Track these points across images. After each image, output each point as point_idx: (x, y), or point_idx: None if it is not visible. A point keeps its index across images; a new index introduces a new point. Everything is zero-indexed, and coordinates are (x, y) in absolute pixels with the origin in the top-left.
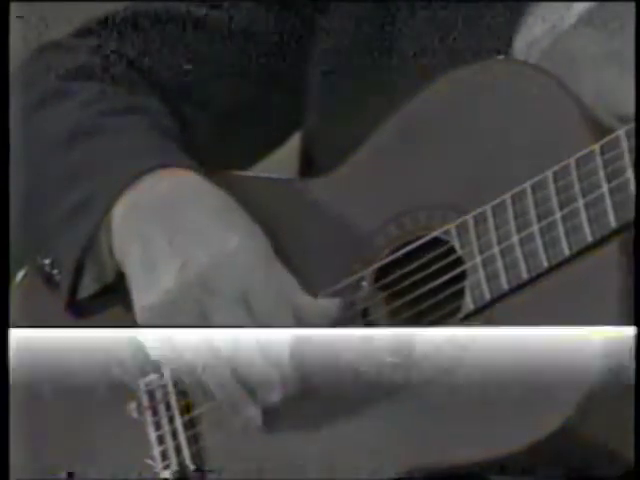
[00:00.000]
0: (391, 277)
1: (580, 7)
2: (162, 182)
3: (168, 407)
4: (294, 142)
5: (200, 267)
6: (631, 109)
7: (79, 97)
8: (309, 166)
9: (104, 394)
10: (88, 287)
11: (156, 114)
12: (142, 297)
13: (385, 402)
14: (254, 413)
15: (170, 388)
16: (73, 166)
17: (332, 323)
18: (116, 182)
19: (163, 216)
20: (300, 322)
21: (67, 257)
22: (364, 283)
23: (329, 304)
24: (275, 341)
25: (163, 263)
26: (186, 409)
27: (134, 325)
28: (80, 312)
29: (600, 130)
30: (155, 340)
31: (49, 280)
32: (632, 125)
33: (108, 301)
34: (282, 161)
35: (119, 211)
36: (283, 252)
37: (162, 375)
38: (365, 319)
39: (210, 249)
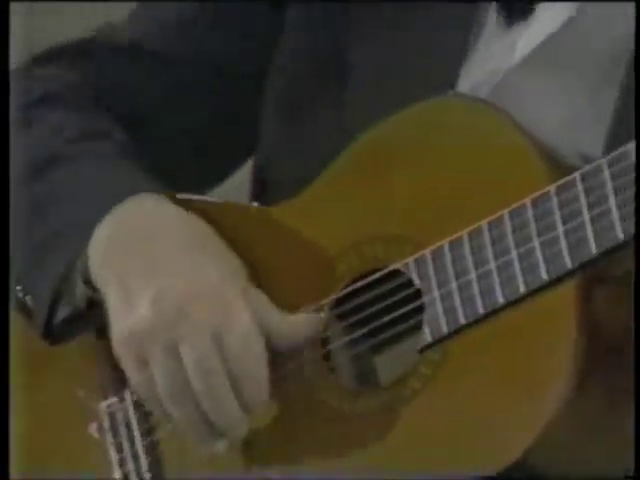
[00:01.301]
0: (350, 307)
1: (524, 47)
2: (139, 210)
3: (129, 429)
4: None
5: (177, 296)
6: (584, 148)
7: (46, 125)
8: (261, 193)
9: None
10: (61, 312)
11: (122, 141)
12: (118, 324)
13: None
14: (220, 446)
15: (131, 411)
16: (43, 195)
17: (307, 339)
18: (91, 211)
19: (139, 244)
20: (277, 341)
21: (42, 289)
22: (323, 313)
23: (305, 320)
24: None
25: (139, 290)
26: (147, 432)
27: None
28: (54, 338)
29: (556, 168)
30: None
31: (22, 306)
32: (587, 167)
33: (80, 327)
34: (230, 188)
35: (96, 240)
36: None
37: (123, 398)
38: (324, 348)
39: (187, 277)
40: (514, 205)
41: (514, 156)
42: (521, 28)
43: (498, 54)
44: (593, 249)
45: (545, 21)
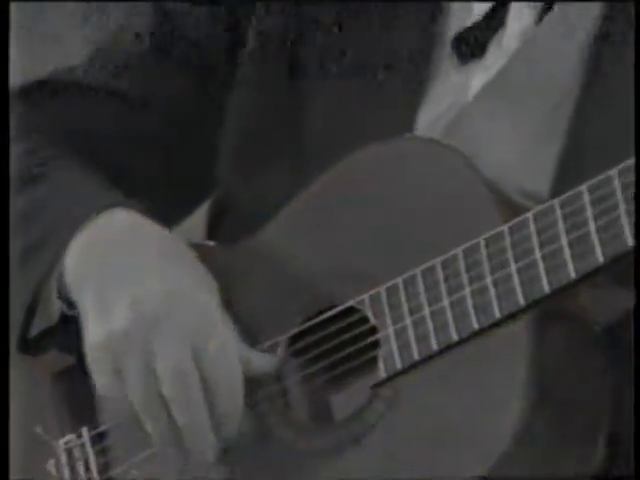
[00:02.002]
0: (306, 343)
1: (479, 81)
2: (115, 221)
3: (87, 466)
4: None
5: (153, 303)
6: (535, 185)
7: (19, 149)
8: (217, 233)
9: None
10: (36, 326)
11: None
12: (94, 330)
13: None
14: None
15: (89, 448)
16: (20, 212)
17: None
18: (68, 225)
19: (116, 252)
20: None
21: (21, 300)
22: (279, 349)
23: (266, 358)
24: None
25: (116, 297)
26: (105, 469)
27: None
28: (28, 351)
29: (508, 207)
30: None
31: None
32: (540, 207)
33: (54, 342)
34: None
35: (72, 253)
36: None
37: (80, 434)
38: (280, 384)
39: (164, 284)
40: (468, 243)
41: (467, 195)
42: (475, 65)
43: (453, 91)
44: (545, 287)
45: (498, 57)
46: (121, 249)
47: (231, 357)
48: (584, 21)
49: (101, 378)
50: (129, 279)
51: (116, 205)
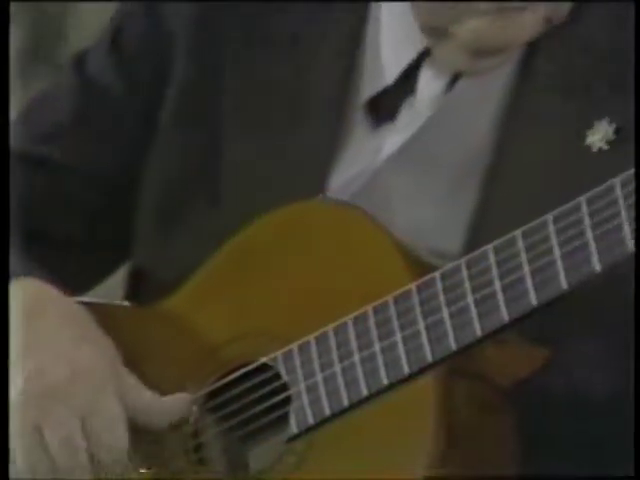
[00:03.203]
0: (221, 400)
1: (392, 145)
2: (21, 292)
3: None
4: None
5: (50, 375)
6: (446, 245)
7: None
8: (136, 293)
9: None
10: None
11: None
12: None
13: None
14: None
15: None
16: None
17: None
18: None
19: (22, 323)
20: (147, 420)
21: None
22: (194, 406)
23: (175, 400)
24: None
25: (17, 366)
26: None
27: None
28: None
29: (417, 266)
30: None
31: None
32: (447, 267)
33: None
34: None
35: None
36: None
37: None
38: (195, 440)
39: (63, 356)
40: (378, 302)
41: (377, 255)
42: (388, 129)
43: (367, 154)
44: (452, 344)
45: (410, 122)
46: (29, 315)
47: (118, 432)
48: (494, 88)
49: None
50: (32, 346)
51: (26, 274)
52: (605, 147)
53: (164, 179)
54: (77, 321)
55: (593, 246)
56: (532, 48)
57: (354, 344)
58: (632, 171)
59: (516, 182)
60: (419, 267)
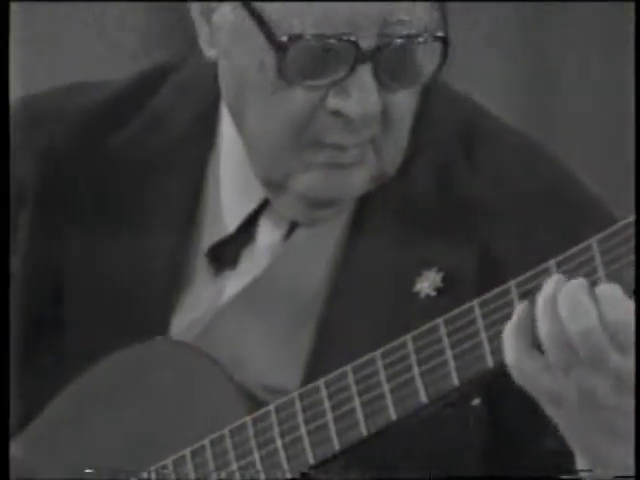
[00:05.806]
0: None
1: (233, 289)
2: None
3: None
4: None
5: None
6: (282, 381)
7: None
8: None
9: None
10: None
11: None
12: None
13: None
14: None
15: None
16: None
17: None
18: None
19: None
20: None
21: None
22: None
23: None
24: None
25: None
26: None
27: None
28: None
29: (253, 401)
30: None
31: None
32: (281, 400)
33: None
34: None
35: None
36: None
37: None
38: None
39: None
40: (215, 434)
41: (214, 392)
42: (229, 274)
43: (208, 298)
44: (286, 473)
45: (250, 267)
46: None
47: None
48: (330, 237)
49: None
50: None
51: None
52: (433, 293)
53: (17, 333)
54: None
55: (420, 381)
56: (363, 202)
57: (192, 475)
58: (456, 311)
59: (347, 326)
60: (254, 402)
